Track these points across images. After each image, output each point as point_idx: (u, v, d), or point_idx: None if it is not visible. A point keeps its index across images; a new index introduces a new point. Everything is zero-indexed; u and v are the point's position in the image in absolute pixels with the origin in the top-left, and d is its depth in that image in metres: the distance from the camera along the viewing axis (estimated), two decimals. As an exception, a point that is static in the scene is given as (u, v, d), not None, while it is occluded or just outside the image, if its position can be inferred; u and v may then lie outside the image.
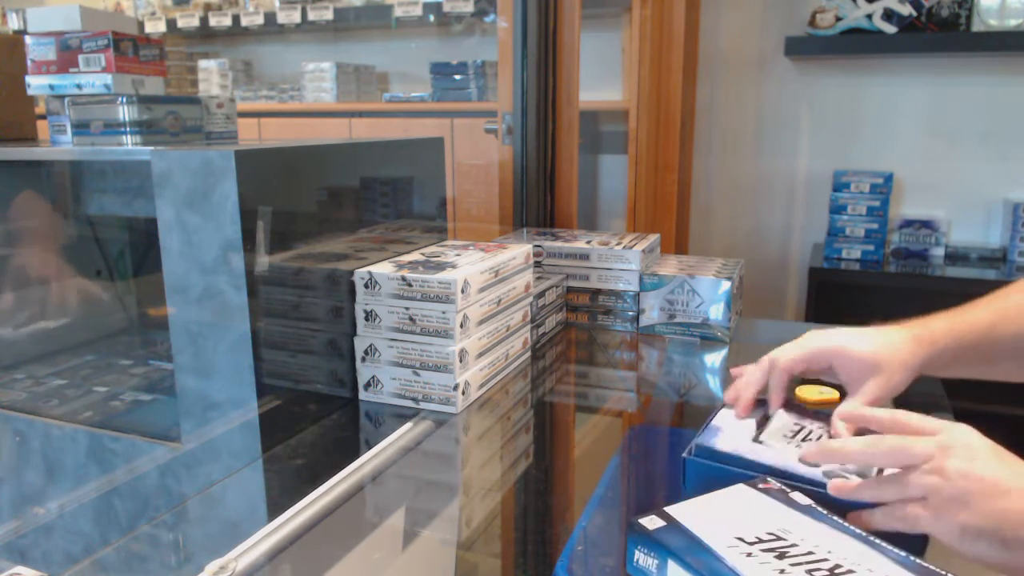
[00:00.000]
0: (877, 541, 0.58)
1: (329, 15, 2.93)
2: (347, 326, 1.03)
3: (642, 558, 0.58)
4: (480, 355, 1.04)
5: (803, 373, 0.86)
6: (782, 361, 0.83)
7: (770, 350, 0.87)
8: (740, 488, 0.66)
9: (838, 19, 2.24)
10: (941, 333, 0.80)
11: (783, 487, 0.66)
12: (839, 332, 0.83)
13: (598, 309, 1.36)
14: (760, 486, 0.66)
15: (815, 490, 0.66)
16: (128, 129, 1.11)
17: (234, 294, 0.88)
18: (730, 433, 0.78)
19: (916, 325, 0.82)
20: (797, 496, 0.65)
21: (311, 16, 2.96)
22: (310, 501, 0.77)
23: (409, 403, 1.01)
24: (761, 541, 0.57)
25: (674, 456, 0.79)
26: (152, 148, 0.97)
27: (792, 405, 0.85)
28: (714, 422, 0.81)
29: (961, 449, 0.59)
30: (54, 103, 1.21)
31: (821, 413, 0.82)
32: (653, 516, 0.60)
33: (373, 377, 1.03)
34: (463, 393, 1.00)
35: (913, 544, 0.59)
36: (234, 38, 3.44)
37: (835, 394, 1.01)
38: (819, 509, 0.63)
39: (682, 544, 0.57)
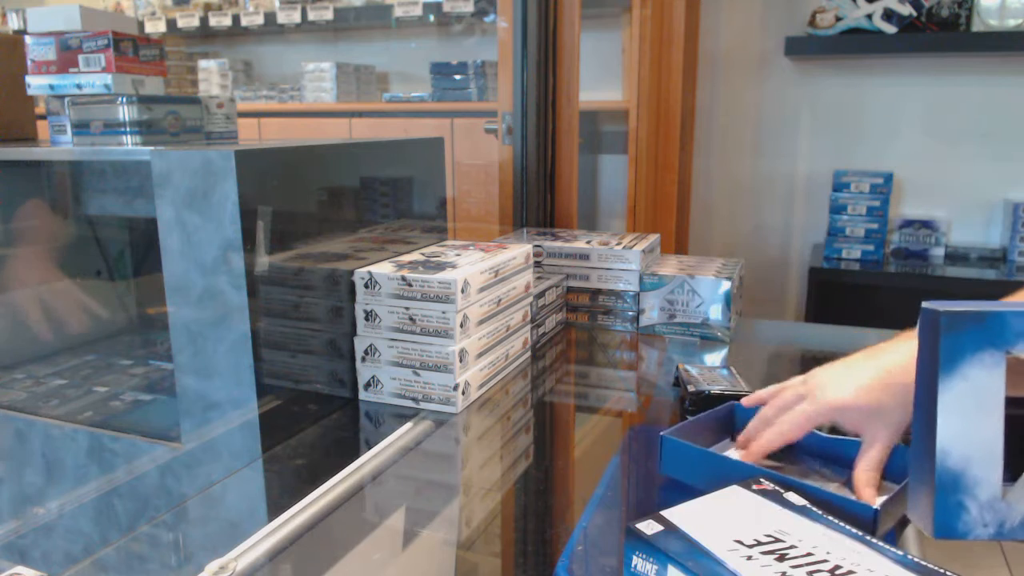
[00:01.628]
0: (875, 541, 0.58)
1: (329, 15, 2.93)
2: (347, 326, 1.03)
3: (641, 563, 0.58)
4: (480, 355, 1.04)
5: None
6: (794, 427, 0.78)
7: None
8: (734, 489, 0.66)
9: (838, 19, 2.24)
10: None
11: (777, 488, 0.66)
12: (838, 382, 0.77)
13: (598, 309, 1.36)
14: (754, 487, 0.66)
15: (808, 490, 0.67)
16: (128, 129, 1.11)
17: (234, 294, 0.88)
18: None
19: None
20: (792, 496, 0.65)
21: (311, 16, 2.96)
22: (310, 501, 0.77)
23: (409, 403, 1.01)
24: (760, 543, 0.57)
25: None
26: (152, 148, 0.97)
27: None
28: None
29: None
30: (54, 103, 1.21)
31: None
32: (650, 521, 0.60)
33: (373, 377, 1.03)
34: (463, 393, 1.00)
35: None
36: (234, 38, 3.44)
37: None
38: (814, 509, 0.63)
39: (681, 549, 0.57)
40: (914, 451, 0.55)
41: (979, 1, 2.14)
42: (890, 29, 2.20)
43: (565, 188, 1.76)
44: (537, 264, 1.38)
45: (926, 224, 2.33)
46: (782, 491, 0.66)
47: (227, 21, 3.15)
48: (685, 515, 0.61)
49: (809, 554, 0.56)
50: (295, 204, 0.97)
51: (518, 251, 1.15)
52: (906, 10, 2.17)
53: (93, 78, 1.16)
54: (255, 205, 0.88)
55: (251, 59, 3.44)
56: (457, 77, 2.74)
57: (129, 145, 1.11)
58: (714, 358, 1.22)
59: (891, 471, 0.75)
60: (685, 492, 0.71)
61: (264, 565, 0.67)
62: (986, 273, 2.19)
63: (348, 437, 0.99)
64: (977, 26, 2.15)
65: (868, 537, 0.58)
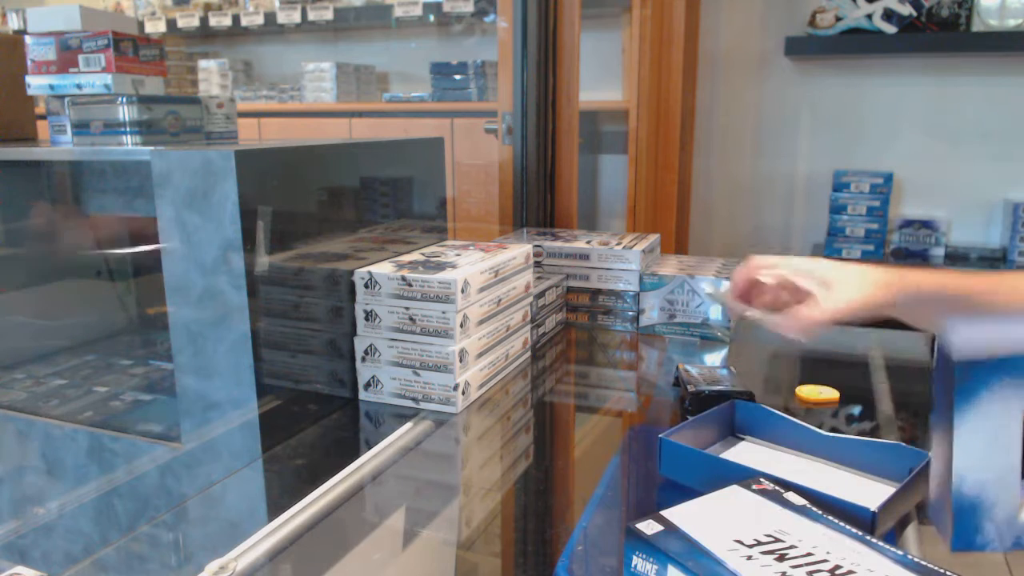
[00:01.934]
0: (875, 541, 0.58)
1: (329, 15, 2.93)
2: (347, 326, 1.03)
3: (641, 563, 0.58)
4: (480, 355, 1.04)
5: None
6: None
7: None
8: (734, 489, 0.66)
9: (838, 19, 2.24)
10: (927, 277, 0.79)
11: (777, 488, 0.66)
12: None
13: (598, 309, 1.36)
14: (754, 487, 0.66)
15: (808, 490, 0.67)
16: (128, 129, 1.11)
17: (234, 294, 0.88)
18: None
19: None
20: (791, 496, 0.65)
21: (311, 16, 2.96)
22: (310, 501, 0.77)
23: (409, 403, 1.01)
24: (760, 543, 0.57)
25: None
26: (152, 148, 0.97)
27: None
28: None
29: None
30: (54, 103, 1.21)
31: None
32: (650, 521, 0.60)
33: (373, 377, 1.03)
34: (463, 393, 1.00)
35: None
36: (234, 38, 3.44)
37: (835, 394, 1.01)
38: (814, 509, 0.63)
39: (681, 549, 0.57)
40: (933, 470, 0.55)
41: (979, 1, 2.14)
42: (890, 29, 2.20)
43: (565, 188, 1.76)
44: (537, 264, 1.38)
45: (926, 224, 2.33)
46: (782, 491, 0.66)
47: (227, 21, 3.15)
48: (685, 515, 0.61)
49: (809, 554, 0.56)
50: (295, 204, 0.97)
51: (518, 251, 1.15)
52: (906, 10, 2.17)
53: (93, 78, 1.16)
54: (255, 205, 0.88)
55: (251, 59, 3.44)
56: (457, 77, 2.74)
57: (129, 145, 1.11)
58: (714, 358, 1.22)
59: (891, 471, 0.74)
60: (685, 492, 0.71)
61: (264, 565, 0.67)
62: (986, 273, 2.19)
63: (348, 437, 0.99)
64: (977, 26, 2.15)
65: (868, 537, 0.58)
